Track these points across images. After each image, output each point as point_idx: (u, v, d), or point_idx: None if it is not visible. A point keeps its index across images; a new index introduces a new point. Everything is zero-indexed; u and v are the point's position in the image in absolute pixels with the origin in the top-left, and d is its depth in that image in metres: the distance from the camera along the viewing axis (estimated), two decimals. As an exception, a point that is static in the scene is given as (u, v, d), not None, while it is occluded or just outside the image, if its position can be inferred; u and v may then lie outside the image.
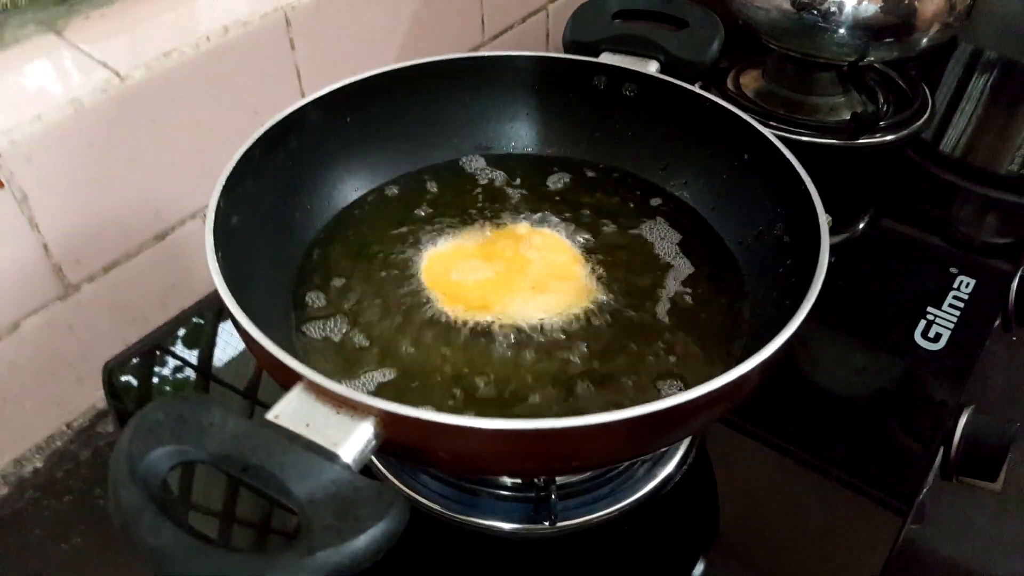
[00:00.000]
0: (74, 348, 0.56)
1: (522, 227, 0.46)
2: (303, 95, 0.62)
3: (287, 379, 0.30)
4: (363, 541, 0.23)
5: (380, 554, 0.24)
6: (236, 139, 0.58)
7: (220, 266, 0.33)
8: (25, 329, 0.52)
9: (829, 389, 0.52)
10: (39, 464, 0.55)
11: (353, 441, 0.28)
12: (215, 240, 0.35)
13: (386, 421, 0.28)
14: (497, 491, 0.41)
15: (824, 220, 0.36)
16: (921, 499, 0.49)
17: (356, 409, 0.29)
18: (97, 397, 0.58)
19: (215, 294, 0.39)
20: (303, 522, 0.24)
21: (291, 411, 0.28)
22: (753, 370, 0.30)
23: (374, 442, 0.28)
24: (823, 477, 0.45)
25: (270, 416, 0.28)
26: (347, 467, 0.27)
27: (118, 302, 0.57)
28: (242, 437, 0.26)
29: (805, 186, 0.38)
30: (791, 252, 0.39)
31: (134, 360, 0.53)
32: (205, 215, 0.59)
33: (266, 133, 0.42)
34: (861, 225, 0.63)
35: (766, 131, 0.42)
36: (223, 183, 0.38)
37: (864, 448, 0.47)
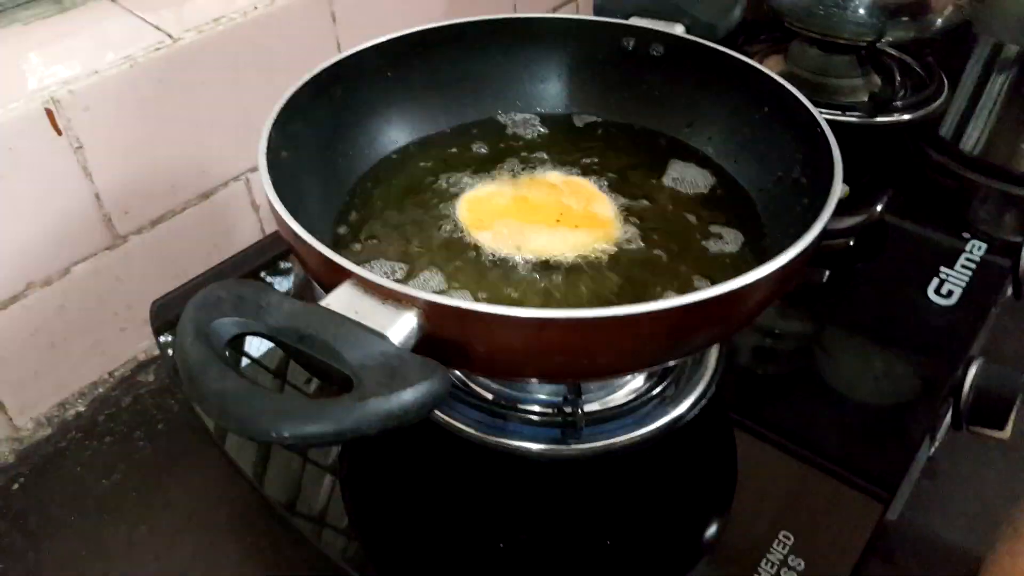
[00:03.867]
0: (120, 298, 0.58)
1: (553, 175, 0.48)
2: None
3: (336, 277, 0.32)
4: (410, 394, 0.25)
5: (424, 410, 0.26)
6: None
7: (272, 183, 0.36)
8: (75, 275, 0.55)
9: (846, 348, 0.54)
10: (82, 408, 0.58)
11: (398, 327, 0.30)
12: (267, 164, 0.37)
13: (428, 312, 0.30)
14: (526, 415, 0.43)
15: (838, 154, 0.38)
16: (932, 454, 0.50)
17: (400, 301, 0.31)
18: (139, 348, 0.61)
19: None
20: (355, 380, 0.26)
21: (341, 301, 0.31)
22: (774, 272, 0.32)
23: (417, 332, 0.30)
24: (839, 428, 0.47)
25: (322, 303, 0.30)
26: (395, 345, 0.29)
27: (163, 256, 0.59)
28: (298, 315, 0.29)
29: (820, 127, 0.40)
30: (808, 192, 0.41)
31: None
32: (247, 177, 0.62)
33: (313, 78, 0.44)
34: (879, 207, 0.65)
35: (784, 82, 0.45)
36: (274, 117, 0.41)
37: (879, 400, 0.49)
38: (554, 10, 0.83)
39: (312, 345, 0.27)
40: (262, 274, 0.58)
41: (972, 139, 0.73)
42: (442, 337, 0.31)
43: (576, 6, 0.86)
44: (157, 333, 0.53)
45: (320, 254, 0.32)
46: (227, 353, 0.27)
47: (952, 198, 0.68)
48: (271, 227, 0.66)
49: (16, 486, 0.53)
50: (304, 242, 0.32)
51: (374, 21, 0.65)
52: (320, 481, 0.47)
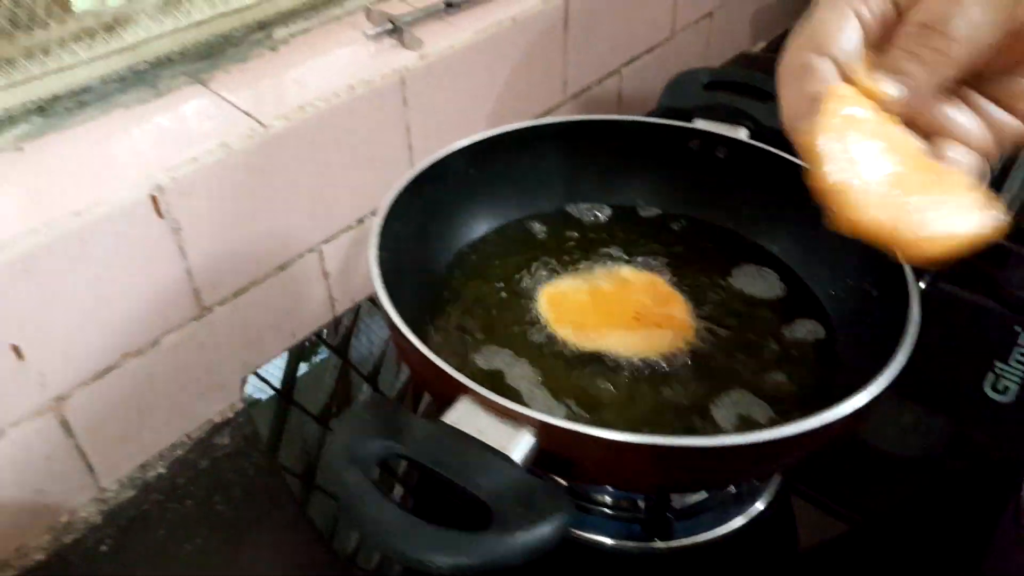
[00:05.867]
0: (201, 365, 0.61)
1: (625, 270, 0.51)
2: (411, 148, 0.68)
3: (454, 391, 0.35)
4: (548, 528, 0.28)
5: (559, 540, 0.29)
6: (353, 183, 0.65)
7: (390, 297, 0.39)
8: (164, 345, 0.58)
9: (901, 444, 0.55)
10: (162, 470, 0.61)
11: (519, 447, 0.33)
12: (381, 274, 0.40)
13: (543, 431, 0.33)
14: (607, 508, 0.45)
15: (912, 276, 0.41)
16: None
17: (517, 420, 0.34)
18: (215, 411, 0.64)
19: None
20: (495, 510, 0.29)
21: (464, 418, 0.33)
22: (852, 413, 0.35)
23: (534, 449, 0.33)
24: (899, 529, 0.48)
25: (448, 421, 0.33)
26: (519, 467, 0.31)
27: (241, 324, 0.62)
28: (432, 437, 0.31)
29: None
30: (879, 305, 0.44)
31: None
32: (321, 249, 0.66)
33: (412, 180, 0.48)
34: (922, 284, 0.67)
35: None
36: (381, 223, 0.44)
37: (937, 501, 0.50)
38: (596, 101, 0.87)
39: (449, 470, 0.30)
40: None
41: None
42: (556, 453, 0.34)
43: (619, 93, 0.90)
44: (247, 403, 0.56)
45: (441, 370, 0.35)
46: (376, 475, 0.30)
47: (995, 284, 0.69)
48: (338, 294, 0.69)
49: (104, 547, 0.55)
50: (426, 358, 0.35)
51: (439, 105, 0.69)
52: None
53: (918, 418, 0.56)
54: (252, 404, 0.57)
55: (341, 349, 0.62)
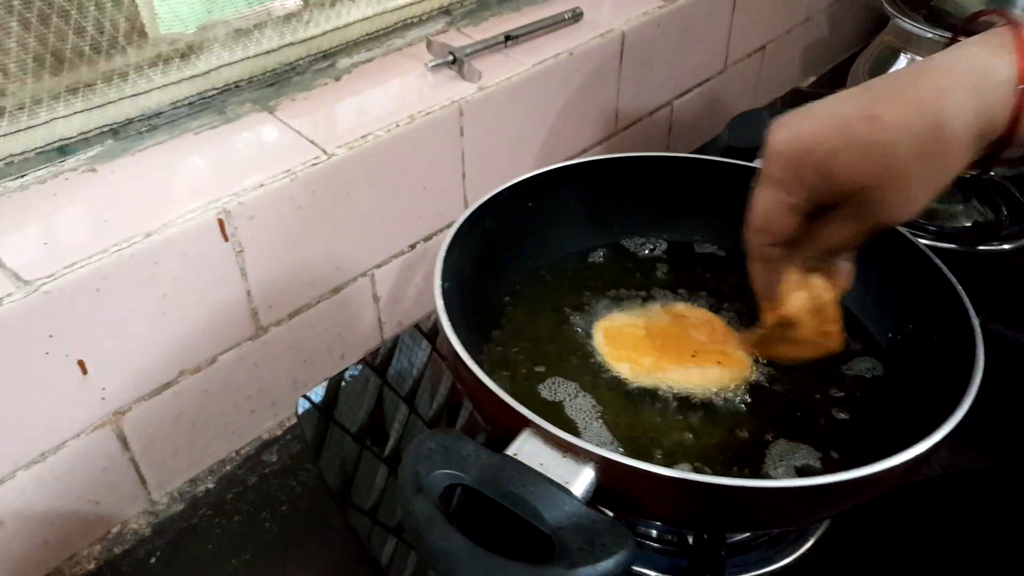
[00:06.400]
0: (254, 383, 0.62)
1: (680, 307, 0.52)
2: (464, 175, 0.70)
3: (515, 424, 0.35)
4: (612, 562, 0.28)
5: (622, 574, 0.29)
6: (407, 209, 0.66)
7: (453, 328, 0.39)
8: (220, 363, 0.59)
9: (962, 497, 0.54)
10: (211, 485, 0.62)
11: (580, 481, 0.33)
12: (445, 306, 0.41)
13: (604, 467, 0.34)
14: (653, 544, 0.45)
15: (977, 324, 0.40)
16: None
17: (579, 455, 0.34)
18: (264, 428, 0.65)
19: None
20: (558, 544, 0.29)
21: (526, 451, 0.34)
22: (912, 459, 0.35)
23: (594, 483, 0.34)
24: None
25: (510, 452, 0.34)
26: (581, 501, 0.32)
27: (295, 344, 0.64)
28: (495, 468, 0.32)
29: (956, 292, 0.43)
30: (940, 351, 0.44)
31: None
32: (373, 273, 0.67)
33: (472, 213, 0.49)
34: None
35: (915, 239, 0.48)
36: (443, 255, 0.45)
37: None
38: (647, 133, 0.88)
39: (514, 502, 0.31)
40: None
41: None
42: (615, 488, 0.34)
43: (669, 126, 0.91)
44: (302, 421, 0.57)
45: (504, 402, 0.35)
46: (442, 504, 0.30)
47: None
48: (387, 317, 0.70)
49: (154, 560, 0.56)
50: (489, 391, 0.36)
51: (494, 135, 0.70)
52: None
53: (971, 465, 0.55)
54: (304, 421, 0.58)
55: (380, 369, 0.63)
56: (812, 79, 1.14)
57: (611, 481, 0.34)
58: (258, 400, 0.63)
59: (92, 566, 0.56)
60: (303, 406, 0.59)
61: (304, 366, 0.65)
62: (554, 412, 0.44)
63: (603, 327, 0.50)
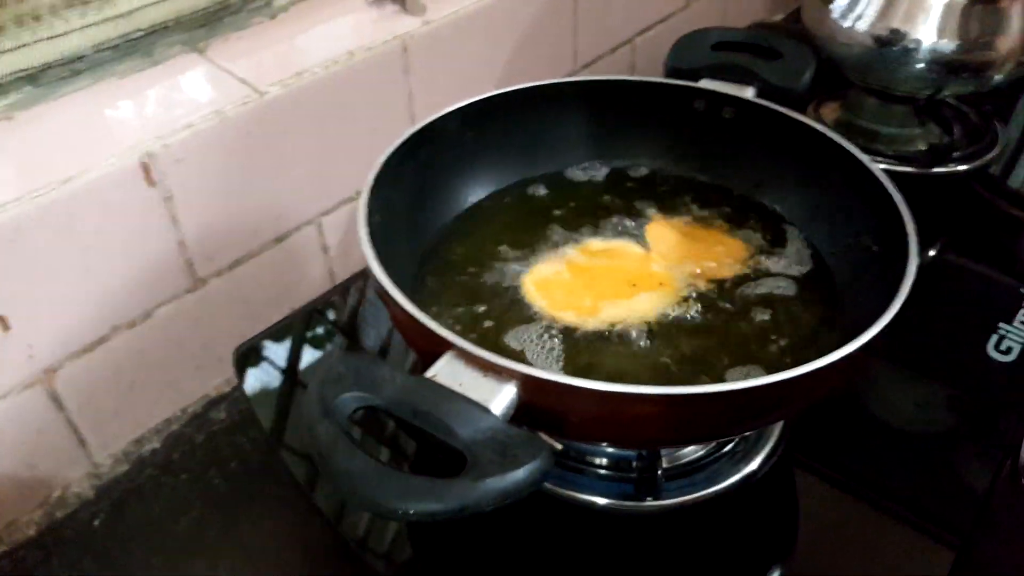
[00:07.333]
0: (196, 338, 0.60)
1: (594, 242, 0.50)
2: (413, 117, 0.67)
3: (438, 347, 0.34)
4: (523, 473, 0.27)
5: (534, 487, 0.27)
6: (354, 154, 0.64)
7: (377, 257, 0.37)
8: (156, 318, 0.57)
9: (904, 407, 0.55)
10: (157, 445, 0.60)
11: (500, 399, 0.31)
12: (370, 236, 0.39)
13: (526, 384, 0.32)
14: (599, 469, 0.44)
15: (912, 228, 0.39)
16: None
17: (500, 373, 0.32)
18: (211, 386, 0.63)
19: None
20: (469, 458, 0.28)
21: (445, 373, 0.32)
22: (850, 354, 0.33)
23: (516, 402, 0.32)
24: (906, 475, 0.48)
25: (428, 375, 0.32)
26: (500, 419, 0.30)
27: (238, 298, 0.62)
28: (410, 389, 0.30)
29: (894, 201, 0.42)
30: (879, 261, 0.42)
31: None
32: (320, 221, 0.65)
33: (403, 143, 0.46)
34: (932, 252, 0.66)
35: (856, 151, 0.46)
36: (371, 185, 0.43)
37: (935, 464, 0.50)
38: (607, 72, 0.85)
39: (426, 421, 0.29)
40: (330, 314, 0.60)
41: (1020, 176, 0.74)
42: (538, 406, 0.32)
43: (632, 64, 0.88)
44: (240, 375, 0.55)
45: (425, 327, 0.34)
46: (350, 427, 0.29)
47: (1004, 248, 0.68)
48: (338, 268, 0.68)
49: (97, 521, 0.55)
50: (410, 315, 0.34)
51: (443, 73, 0.67)
52: (392, 523, 0.48)
53: (920, 386, 0.56)
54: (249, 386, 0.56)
55: (349, 331, 0.61)
56: (780, 16, 1.11)
57: (534, 399, 0.32)
58: (203, 356, 0.61)
59: (33, 531, 0.54)
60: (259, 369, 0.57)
61: (250, 320, 0.63)
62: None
63: (531, 281, 0.48)
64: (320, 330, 0.63)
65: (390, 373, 0.31)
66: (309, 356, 0.61)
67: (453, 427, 0.29)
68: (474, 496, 0.26)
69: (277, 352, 0.61)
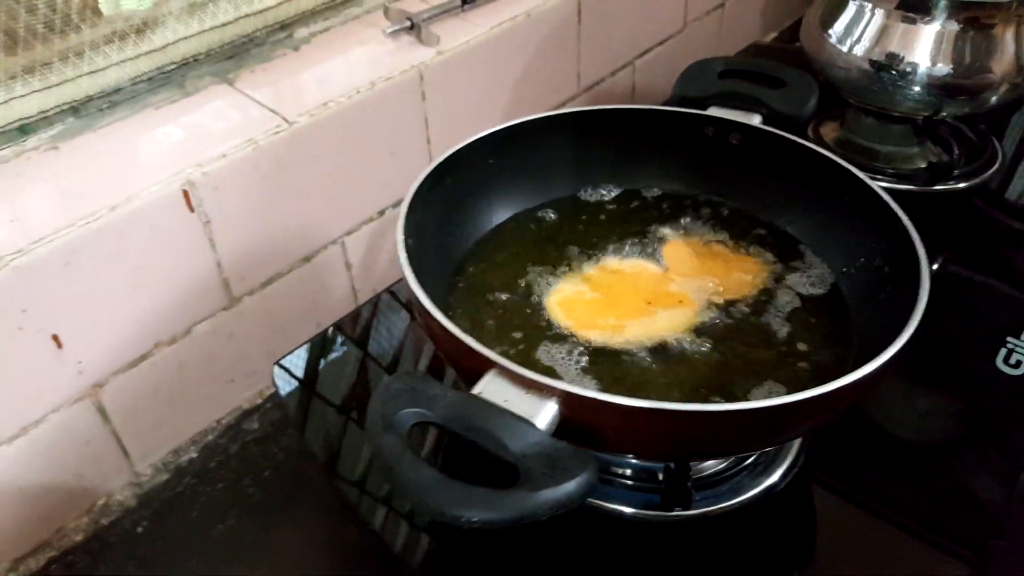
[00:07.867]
0: (230, 353, 0.63)
1: (612, 261, 0.53)
2: (429, 140, 0.70)
3: (480, 366, 0.37)
4: (574, 485, 0.30)
5: (584, 498, 0.30)
6: (375, 176, 0.67)
7: (418, 280, 0.40)
8: (195, 334, 0.60)
9: (917, 422, 0.56)
10: (194, 455, 0.63)
11: (544, 414, 0.34)
12: (408, 260, 0.42)
13: (568, 401, 0.35)
14: (627, 479, 0.47)
15: (923, 252, 0.42)
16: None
17: (542, 391, 0.35)
18: (244, 398, 0.66)
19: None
20: (522, 470, 0.31)
21: (491, 390, 0.35)
22: (871, 373, 0.36)
23: (558, 418, 0.35)
24: (923, 493, 0.50)
25: (475, 392, 0.35)
26: (545, 432, 0.33)
27: (269, 314, 0.64)
28: (461, 405, 0.33)
29: (903, 224, 0.44)
30: (891, 281, 0.45)
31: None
32: (343, 241, 0.68)
33: (432, 171, 0.49)
34: (934, 266, 0.69)
35: (864, 176, 0.49)
36: (405, 211, 0.46)
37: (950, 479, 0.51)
38: (610, 93, 0.88)
39: (479, 435, 0.32)
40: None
41: (1019, 190, 0.76)
42: (579, 421, 0.35)
43: (633, 85, 0.91)
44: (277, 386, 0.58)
45: (469, 347, 0.37)
46: (410, 441, 0.32)
47: (1007, 262, 0.70)
48: (361, 284, 0.71)
49: (140, 529, 0.57)
50: (454, 336, 0.37)
51: (456, 99, 0.70)
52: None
53: (931, 401, 0.57)
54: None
55: (361, 342, 0.64)
56: (773, 35, 1.15)
57: (574, 414, 0.35)
58: (236, 370, 0.64)
59: (80, 538, 0.56)
60: (280, 377, 0.60)
61: (280, 335, 0.66)
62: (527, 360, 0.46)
63: (556, 301, 0.51)
64: (342, 345, 0.66)
65: (441, 390, 0.34)
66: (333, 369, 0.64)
67: (504, 441, 0.31)
68: (531, 507, 0.29)
69: (308, 363, 0.64)
